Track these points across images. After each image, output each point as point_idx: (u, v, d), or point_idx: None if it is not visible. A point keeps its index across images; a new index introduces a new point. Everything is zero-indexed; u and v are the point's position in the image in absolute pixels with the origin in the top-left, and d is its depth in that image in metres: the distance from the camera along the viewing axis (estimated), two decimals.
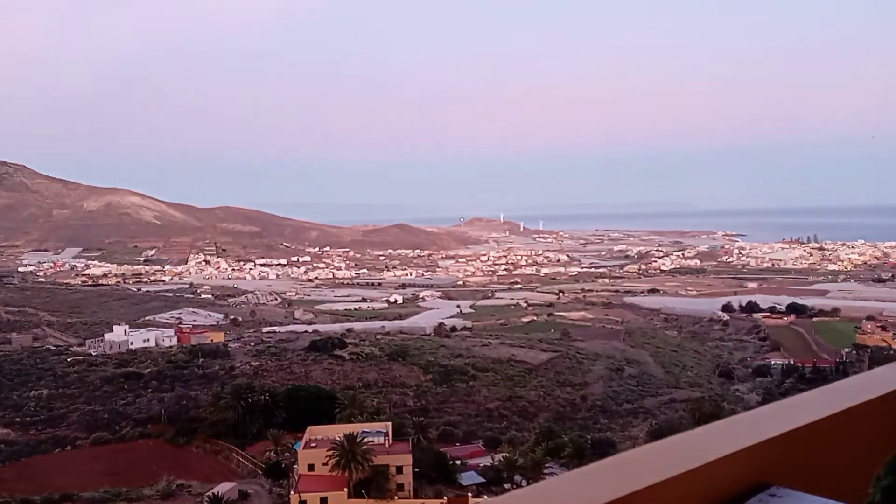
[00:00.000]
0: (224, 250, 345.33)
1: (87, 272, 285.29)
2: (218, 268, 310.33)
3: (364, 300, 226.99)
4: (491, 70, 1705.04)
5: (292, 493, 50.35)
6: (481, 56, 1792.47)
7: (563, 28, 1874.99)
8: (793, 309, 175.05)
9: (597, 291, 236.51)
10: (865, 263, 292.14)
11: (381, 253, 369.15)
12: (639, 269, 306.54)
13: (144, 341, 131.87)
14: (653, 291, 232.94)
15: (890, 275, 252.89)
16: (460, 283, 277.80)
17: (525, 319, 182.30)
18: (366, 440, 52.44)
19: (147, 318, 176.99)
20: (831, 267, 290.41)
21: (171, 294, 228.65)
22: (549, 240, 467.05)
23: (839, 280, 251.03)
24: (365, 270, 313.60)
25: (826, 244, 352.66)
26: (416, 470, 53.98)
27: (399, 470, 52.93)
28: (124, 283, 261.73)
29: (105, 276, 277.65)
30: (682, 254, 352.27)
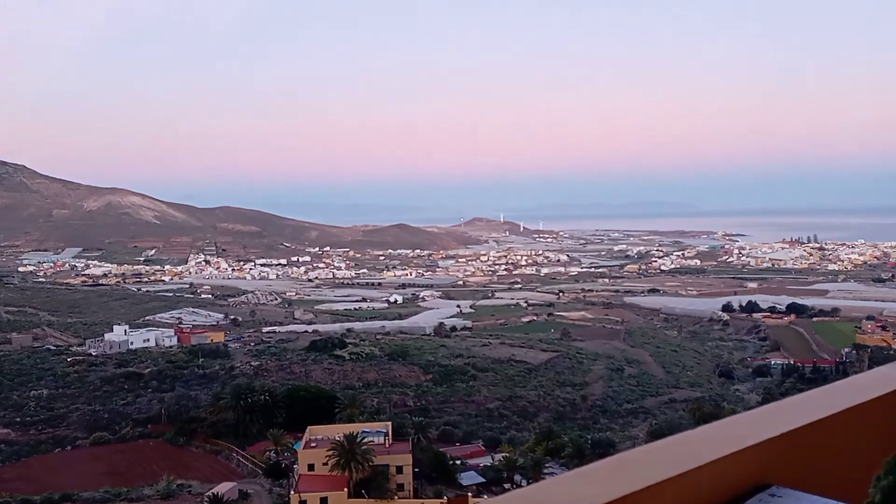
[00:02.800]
0: (224, 250, 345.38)
1: (87, 272, 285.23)
2: (218, 268, 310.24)
3: (364, 300, 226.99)
4: (494, 68, 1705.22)
5: (292, 493, 50.30)
6: (484, 54, 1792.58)
7: (563, 27, 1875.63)
8: (793, 309, 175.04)
9: (597, 291, 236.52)
10: (865, 263, 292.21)
11: (381, 253, 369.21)
12: (639, 269, 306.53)
13: (144, 341, 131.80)
14: (653, 291, 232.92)
15: (890, 275, 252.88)
16: (460, 283, 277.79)
17: (525, 319, 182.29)
18: (366, 440, 52.40)
19: (147, 318, 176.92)
20: (831, 267, 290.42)
21: (171, 294, 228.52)
22: (549, 240, 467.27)
23: (839, 280, 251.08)
24: (365, 270, 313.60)
25: (826, 244, 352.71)
26: (416, 470, 53.94)
27: (399, 470, 52.90)
28: (124, 283, 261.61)
29: (105, 276, 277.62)
30: (682, 254, 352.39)
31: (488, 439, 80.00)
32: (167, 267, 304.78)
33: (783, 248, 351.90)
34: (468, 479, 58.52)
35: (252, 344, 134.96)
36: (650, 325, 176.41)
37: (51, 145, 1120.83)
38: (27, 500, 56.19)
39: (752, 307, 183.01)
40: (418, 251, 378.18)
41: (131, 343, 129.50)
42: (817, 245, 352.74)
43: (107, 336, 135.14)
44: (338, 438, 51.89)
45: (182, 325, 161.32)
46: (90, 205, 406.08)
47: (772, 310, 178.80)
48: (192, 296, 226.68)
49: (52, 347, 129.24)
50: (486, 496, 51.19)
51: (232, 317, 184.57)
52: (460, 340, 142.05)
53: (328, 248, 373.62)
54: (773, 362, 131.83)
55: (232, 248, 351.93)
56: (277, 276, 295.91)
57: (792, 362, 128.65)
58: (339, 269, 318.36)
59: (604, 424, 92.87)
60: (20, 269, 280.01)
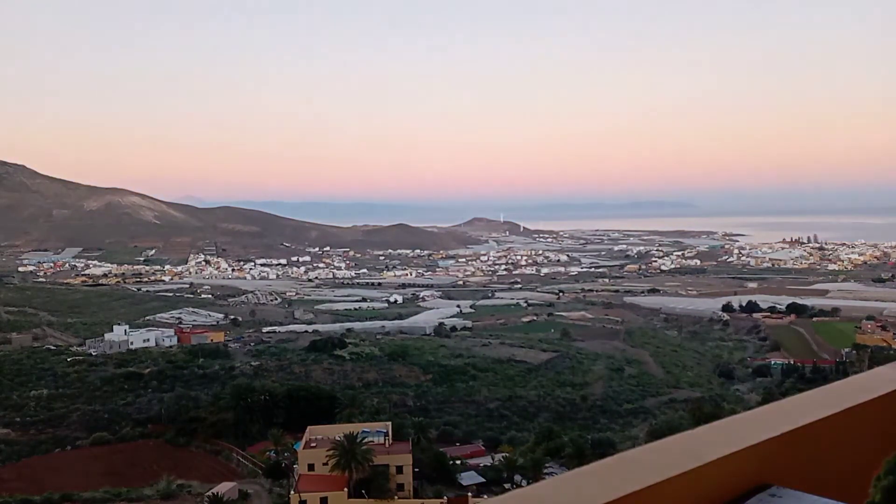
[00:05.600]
0: (224, 250, 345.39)
1: (87, 272, 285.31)
2: (218, 268, 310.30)
3: (364, 300, 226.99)
4: (494, 68, 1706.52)
5: (292, 493, 50.25)
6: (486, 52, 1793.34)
7: (562, 27, 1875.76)
8: (793, 309, 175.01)
9: (597, 291, 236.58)
10: (865, 263, 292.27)
11: (381, 253, 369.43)
12: (639, 269, 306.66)
13: (144, 341, 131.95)
14: (653, 291, 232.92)
15: (890, 275, 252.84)
16: (460, 283, 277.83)
17: (525, 319, 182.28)
18: (366, 440, 52.36)
19: (147, 318, 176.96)
20: (831, 267, 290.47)
21: (171, 294, 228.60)
22: (549, 240, 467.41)
23: (839, 280, 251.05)
24: (365, 270, 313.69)
25: (826, 244, 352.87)
26: (416, 470, 53.89)
27: (399, 470, 52.84)
28: (124, 283, 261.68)
29: (105, 276, 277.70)
30: (682, 254, 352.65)
31: (488, 439, 80.00)
32: (167, 267, 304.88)
33: (783, 248, 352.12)
34: (468, 479, 58.51)
35: (252, 344, 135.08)
36: (650, 325, 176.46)
37: (51, 145, 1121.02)
38: (27, 500, 56.10)
39: (752, 307, 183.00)
40: (418, 251, 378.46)
41: (131, 343, 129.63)
42: (817, 245, 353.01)
43: (107, 336, 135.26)
44: (338, 438, 51.84)
45: (182, 325, 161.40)
46: (90, 205, 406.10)
47: (772, 310, 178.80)
48: (192, 296, 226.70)
49: (52, 347, 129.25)
50: (486, 496, 51.12)
51: (232, 317, 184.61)
52: (460, 340, 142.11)
53: (328, 248, 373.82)
54: (773, 362, 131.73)
55: (232, 248, 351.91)
56: (277, 276, 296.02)
57: (792, 362, 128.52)
58: (339, 269, 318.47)
59: (604, 424, 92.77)
60: (20, 269, 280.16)
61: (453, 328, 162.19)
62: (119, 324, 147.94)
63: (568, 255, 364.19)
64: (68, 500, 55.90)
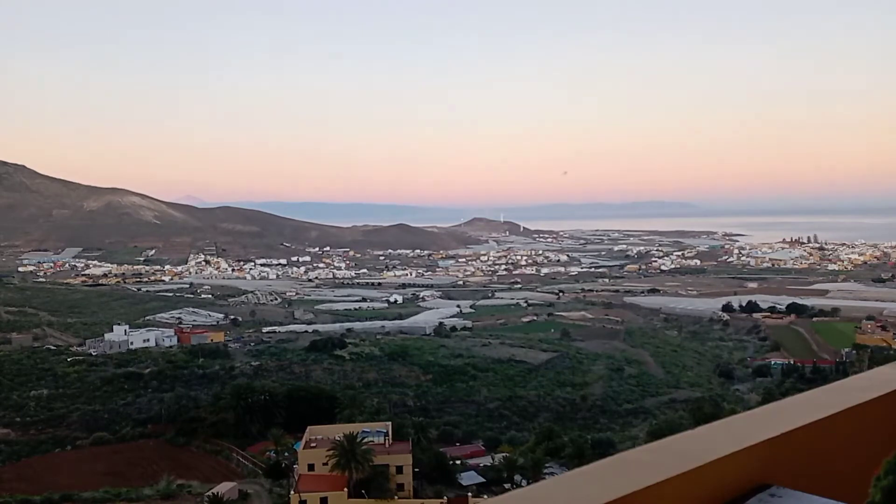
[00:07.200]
0: (224, 250, 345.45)
1: (87, 272, 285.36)
2: (218, 268, 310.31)
3: (364, 300, 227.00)
4: (497, 67, 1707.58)
5: (292, 493, 50.29)
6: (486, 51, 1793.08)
7: (564, 28, 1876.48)
8: (793, 309, 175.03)
9: (597, 291, 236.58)
10: (865, 263, 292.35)
11: (381, 253, 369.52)
12: (639, 269, 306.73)
13: (144, 341, 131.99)
14: (653, 291, 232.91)
15: (890, 275, 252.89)
16: (460, 283, 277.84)
17: (525, 319, 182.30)
18: (366, 440, 52.41)
19: (147, 318, 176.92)
20: (831, 267, 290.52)
21: (171, 294, 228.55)
22: (549, 240, 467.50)
23: (839, 280, 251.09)
24: (365, 270, 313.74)
25: (826, 244, 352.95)
26: (416, 470, 53.94)
27: (399, 470, 52.90)
28: (124, 283, 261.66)
29: (105, 276, 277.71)
30: (682, 254, 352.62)
31: (488, 439, 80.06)
32: (167, 267, 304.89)
33: (783, 248, 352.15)
34: (468, 479, 58.56)
35: (252, 344, 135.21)
36: (650, 325, 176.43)
37: (51, 145, 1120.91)
38: (27, 500, 56.14)
39: (752, 307, 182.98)
40: (418, 251, 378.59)
41: (131, 343, 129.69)
42: (817, 245, 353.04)
43: (107, 336, 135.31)
44: (338, 438, 51.88)
45: (182, 325, 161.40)
46: (90, 205, 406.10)
47: (772, 310, 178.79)
48: (192, 296, 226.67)
49: (52, 347, 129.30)
50: (486, 496, 51.12)
51: (232, 317, 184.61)
52: (460, 340, 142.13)
53: (328, 248, 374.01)
54: (773, 362, 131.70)
55: (232, 248, 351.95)
56: (277, 276, 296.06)
57: (792, 362, 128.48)
58: (339, 269, 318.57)
59: (604, 424, 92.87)
60: (20, 269, 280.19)
61: (453, 328, 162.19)
62: (119, 324, 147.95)
63: (568, 255, 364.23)
64: (68, 500, 55.93)
